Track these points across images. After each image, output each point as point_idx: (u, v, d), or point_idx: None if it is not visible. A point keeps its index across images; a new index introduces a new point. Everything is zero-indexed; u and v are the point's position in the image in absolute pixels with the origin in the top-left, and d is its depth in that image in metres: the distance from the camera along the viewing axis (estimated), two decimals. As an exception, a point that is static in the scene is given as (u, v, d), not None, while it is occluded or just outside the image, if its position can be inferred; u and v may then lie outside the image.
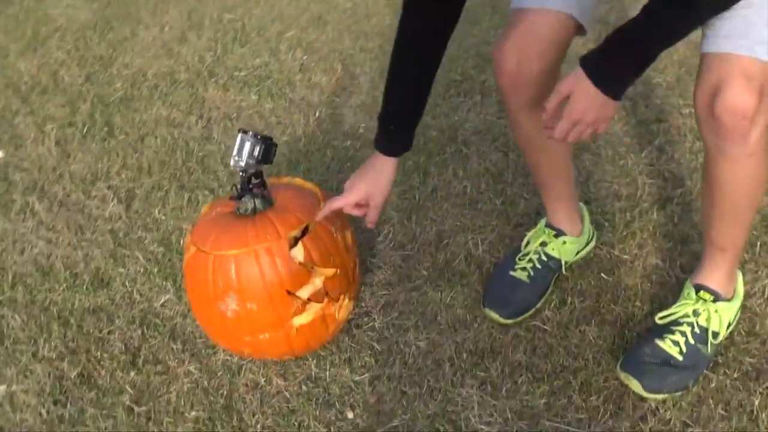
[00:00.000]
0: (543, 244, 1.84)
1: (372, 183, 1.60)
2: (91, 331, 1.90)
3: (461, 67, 2.73)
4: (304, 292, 1.63)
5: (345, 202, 1.61)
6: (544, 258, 1.82)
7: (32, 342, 1.89)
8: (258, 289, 1.58)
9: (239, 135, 1.63)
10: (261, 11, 3.38)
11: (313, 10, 3.33)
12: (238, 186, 1.66)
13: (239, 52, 3.07)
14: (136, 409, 1.70)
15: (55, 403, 1.74)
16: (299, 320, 1.64)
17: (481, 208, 2.10)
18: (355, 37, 3.06)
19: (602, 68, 1.30)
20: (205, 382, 1.74)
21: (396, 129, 1.59)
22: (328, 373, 1.72)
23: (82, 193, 2.38)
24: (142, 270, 2.06)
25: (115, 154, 2.54)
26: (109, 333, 1.89)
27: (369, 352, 1.76)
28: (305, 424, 1.63)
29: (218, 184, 2.34)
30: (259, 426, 1.63)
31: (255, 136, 1.63)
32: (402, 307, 1.85)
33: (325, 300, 1.66)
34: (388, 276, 1.94)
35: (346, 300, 1.71)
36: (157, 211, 2.26)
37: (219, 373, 1.75)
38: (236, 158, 1.63)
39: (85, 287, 2.03)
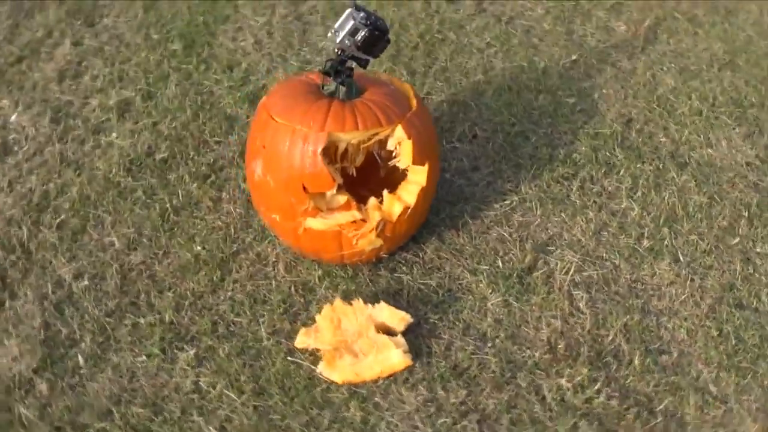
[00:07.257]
0: None
1: None
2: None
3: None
4: (320, 200, 1.49)
5: None
6: None
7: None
8: (279, 168, 1.49)
9: (348, 9, 1.45)
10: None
11: None
12: (329, 63, 1.52)
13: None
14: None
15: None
16: (310, 223, 1.52)
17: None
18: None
19: None
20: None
21: None
22: (315, 286, 1.61)
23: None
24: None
25: None
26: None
27: (371, 291, 1.60)
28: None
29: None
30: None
31: (366, 18, 1.45)
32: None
33: (347, 220, 1.51)
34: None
35: (373, 235, 1.54)
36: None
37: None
38: (335, 32, 1.47)
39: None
